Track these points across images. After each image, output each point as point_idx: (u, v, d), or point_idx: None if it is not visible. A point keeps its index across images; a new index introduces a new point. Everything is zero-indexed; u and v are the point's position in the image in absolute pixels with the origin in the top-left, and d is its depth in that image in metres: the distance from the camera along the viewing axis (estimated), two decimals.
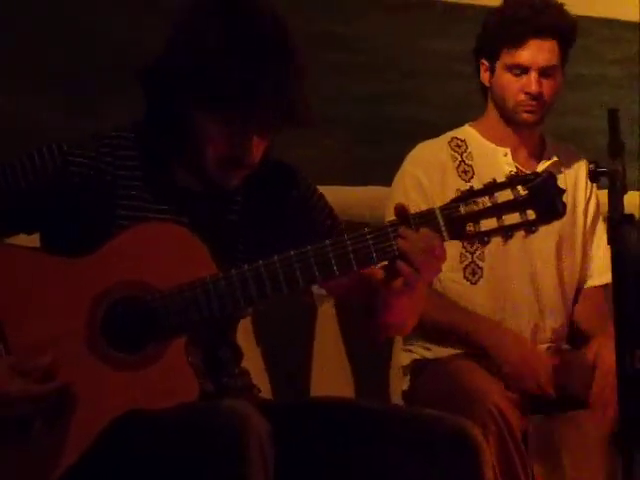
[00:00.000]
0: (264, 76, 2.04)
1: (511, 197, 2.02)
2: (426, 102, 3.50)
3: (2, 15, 3.11)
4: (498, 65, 3.10)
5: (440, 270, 2.13)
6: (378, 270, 2.24)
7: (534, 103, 3.06)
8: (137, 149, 2.19)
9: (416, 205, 2.73)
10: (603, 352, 2.97)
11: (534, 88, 3.04)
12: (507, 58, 3.08)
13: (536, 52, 3.05)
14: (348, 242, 2.05)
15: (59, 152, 2.14)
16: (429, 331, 2.99)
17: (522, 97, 3.07)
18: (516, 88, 3.08)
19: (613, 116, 2.78)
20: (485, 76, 3.15)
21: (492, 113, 3.19)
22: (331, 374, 3.31)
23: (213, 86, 2.05)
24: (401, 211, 2.07)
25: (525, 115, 3.09)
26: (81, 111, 3.01)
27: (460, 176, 3.08)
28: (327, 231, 2.24)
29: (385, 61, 3.47)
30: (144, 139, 2.20)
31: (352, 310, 2.45)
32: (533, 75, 3.04)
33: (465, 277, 3.10)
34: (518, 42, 3.06)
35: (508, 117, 3.13)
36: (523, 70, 3.06)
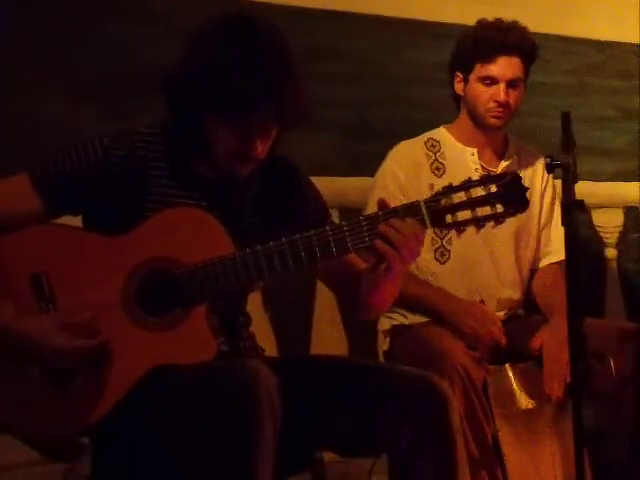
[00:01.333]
0: (261, 85, 2.07)
1: (483, 193, 2.07)
2: (406, 105, 3.54)
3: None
4: (472, 77, 3.17)
5: (419, 254, 2.16)
6: (360, 261, 2.34)
7: (501, 110, 3.14)
8: (164, 144, 2.25)
9: (394, 197, 2.87)
10: (559, 321, 2.99)
11: (502, 97, 3.11)
12: (480, 71, 3.14)
13: (504, 67, 3.12)
14: (345, 228, 2.10)
15: (100, 146, 2.18)
16: (401, 303, 3.01)
17: (491, 105, 3.14)
18: (487, 97, 3.15)
19: (566, 118, 2.85)
20: (459, 86, 3.21)
21: (464, 118, 3.25)
22: (328, 336, 3.37)
23: (219, 95, 2.10)
24: (381, 205, 2.13)
25: (493, 120, 3.17)
26: (110, 115, 3.09)
27: (433, 172, 3.15)
28: (319, 219, 2.32)
29: (370, 70, 3.50)
30: (169, 137, 2.26)
31: None
32: (502, 86, 3.11)
33: (435, 258, 3.16)
34: (489, 58, 3.13)
35: (478, 121, 3.20)
36: (493, 81, 3.13)
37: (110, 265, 2.13)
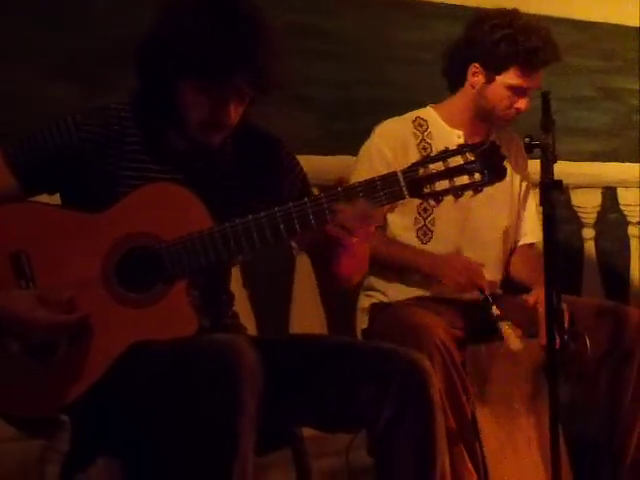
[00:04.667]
0: (235, 50, 2.06)
1: (461, 162, 2.03)
2: (389, 84, 3.54)
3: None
4: (499, 79, 3.11)
5: (372, 233, 2.15)
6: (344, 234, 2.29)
7: (517, 116, 3.15)
8: (136, 119, 2.23)
9: (378, 173, 2.86)
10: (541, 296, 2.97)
11: (524, 108, 3.11)
12: (513, 78, 3.09)
13: (538, 80, 3.12)
14: (323, 200, 2.07)
15: (73, 123, 2.18)
16: (384, 264, 3.08)
17: (512, 111, 3.13)
18: (509, 103, 3.12)
19: (545, 98, 2.86)
20: (475, 80, 3.14)
21: (460, 103, 3.22)
22: (307, 314, 3.37)
23: (193, 61, 2.07)
24: None
25: (505, 122, 3.19)
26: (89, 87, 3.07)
27: (420, 152, 3.09)
28: (299, 192, 2.31)
29: (353, 48, 3.50)
30: (141, 110, 2.24)
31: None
32: (527, 97, 3.11)
33: (417, 237, 3.16)
34: (529, 70, 3.09)
35: (486, 117, 3.19)
36: (522, 91, 3.11)
37: (89, 242, 2.12)
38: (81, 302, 2.08)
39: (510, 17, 3.14)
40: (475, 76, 3.17)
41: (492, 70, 3.14)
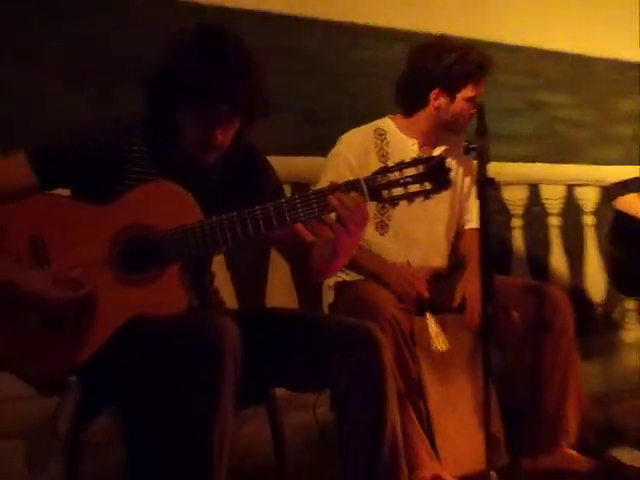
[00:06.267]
0: (221, 87, 2.08)
1: (415, 172, 2.06)
2: (351, 96, 3.53)
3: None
4: (459, 96, 3.12)
5: (365, 224, 2.16)
6: (308, 234, 2.37)
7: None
8: (144, 134, 2.23)
9: (344, 177, 2.78)
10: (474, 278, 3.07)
11: (474, 112, 3.10)
12: (470, 92, 3.11)
13: (483, 87, 3.16)
14: (297, 201, 2.09)
15: (91, 131, 2.20)
16: (348, 266, 3.01)
17: (468, 118, 3.15)
18: (469, 114, 3.14)
19: (480, 109, 2.87)
20: (439, 102, 3.13)
21: (422, 118, 3.19)
22: (280, 291, 3.36)
23: (186, 95, 2.11)
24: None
25: (464, 129, 3.21)
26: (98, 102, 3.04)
27: (379, 158, 3.08)
28: (274, 194, 2.31)
29: (320, 65, 3.50)
30: (148, 127, 2.24)
31: None
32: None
33: (376, 230, 3.14)
34: (479, 81, 3.13)
35: (449, 127, 3.19)
36: (475, 100, 3.13)
37: (97, 230, 2.12)
38: (88, 280, 2.07)
39: (447, 43, 3.16)
40: (437, 100, 3.15)
41: (452, 91, 3.14)
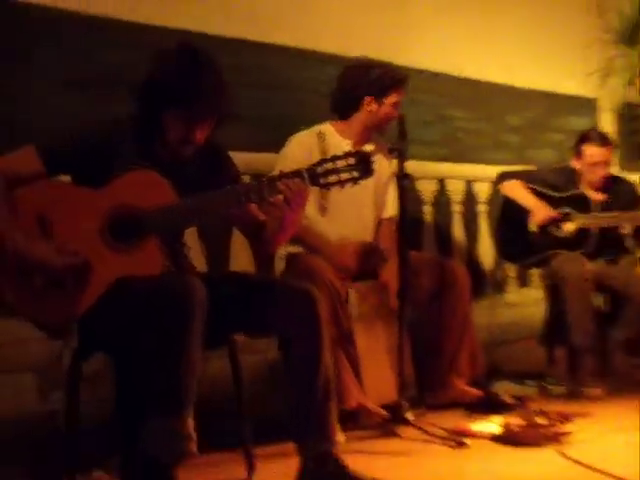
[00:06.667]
0: (201, 94, 2.09)
1: (345, 164, 2.07)
2: (299, 104, 3.52)
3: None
4: (386, 102, 3.13)
5: (305, 204, 2.19)
6: (260, 214, 2.31)
7: None
8: (133, 131, 2.21)
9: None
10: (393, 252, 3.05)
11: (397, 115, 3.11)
12: (394, 98, 3.13)
13: (404, 94, 3.18)
14: (255, 186, 2.11)
15: (91, 128, 2.20)
16: (296, 242, 3.04)
17: (393, 120, 3.14)
18: (394, 115, 3.12)
19: (401, 119, 2.92)
20: (371, 108, 3.13)
21: (354, 122, 3.18)
22: (241, 258, 3.32)
23: (170, 100, 2.11)
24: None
25: (387, 128, 3.21)
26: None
27: (321, 156, 2.87)
28: (234, 182, 2.28)
29: (275, 81, 3.48)
30: (136, 126, 2.22)
31: None
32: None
33: (318, 212, 3.12)
34: (400, 90, 3.16)
35: (378, 127, 3.20)
36: (398, 106, 3.15)
37: (91, 208, 2.09)
38: (84, 250, 2.06)
39: (372, 61, 3.18)
40: (369, 106, 3.15)
41: (381, 97, 3.14)
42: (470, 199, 4.54)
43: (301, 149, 3.09)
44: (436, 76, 4.40)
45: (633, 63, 5.28)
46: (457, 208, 4.47)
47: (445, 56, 4.44)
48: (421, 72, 4.28)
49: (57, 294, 2.05)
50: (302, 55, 3.64)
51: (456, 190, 4.47)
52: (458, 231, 4.45)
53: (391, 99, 3.14)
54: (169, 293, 1.93)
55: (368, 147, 3.13)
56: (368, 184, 3.09)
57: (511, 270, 4.63)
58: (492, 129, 4.74)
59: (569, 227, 3.78)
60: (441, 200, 4.39)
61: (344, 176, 2.07)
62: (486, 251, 4.56)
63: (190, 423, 1.91)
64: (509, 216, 3.95)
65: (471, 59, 4.61)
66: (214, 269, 3.16)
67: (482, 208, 4.59)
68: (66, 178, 2.23)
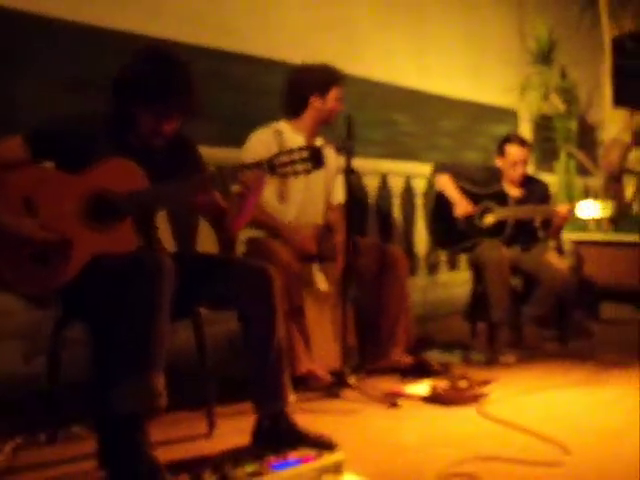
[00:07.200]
0: (170, 91, 2.07)
1: (299, 156, 2.05)
2: (261, 108, 3.48)
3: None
4: (329, 97, 3.10)
5: (262, 192, 2.17)
6: (222, 201, 2.28)
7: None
8: (109, 123, 2.16)
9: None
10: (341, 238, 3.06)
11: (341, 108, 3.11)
12: (337, 93, 3.11)
13: (343, 91, 3.14)
14: (218, 174, 2.07)
15: (71, 118, 2.14)
16: (255, 225, 3.02)
17: (337, 113, 3.13)
18: (338, 108, 3.12)
19: (349, 119, 2.90)
20: (317, 104, 3.10)
21: (305, 118, 3.15)
22: (207, 240, 3.27)
23: (142, 96, 2.07)
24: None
25: (334, 121, 3.15)
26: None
27: (278, 150, 2.88)
28: (199, 172, 2.23)
29: (239, 85, 3.44)
30: (112, 118, 2.16)
31: None
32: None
33: (277, 199, 3.10)
34: (340, 84, 3.12)
35: (326, 121, 3.15)
36: (340, 100, 3.12)
37: (72, 191, 2.04)
38: (65, 228, 2.01)
39: (312, 64, 3.14)
40: (316, 102, 3.12)
41: (325, 93, 3.12)
42: (409, 192, 4.57)
43: (261, 144, 3.05)
44: (381, 85, 4.39)
45: (547, 80, 5.37)
46: (397, 200, 4.50)
47: (389, 68, 4.44)
48: (368, 81, 4.27)
49: (41, 267, 2.00)
50: (263, 63, 3.59)
51: (396, 185, 4.50)
52: (398, 220, 4.48)
53: (333, 94, 3.12)
54: (142, 267, 1.89)
55: (318, 141, 3.20)
56: (319, 175, 3.09)
57: (442, 255, 4.68)
58: (428, 132, 4.77)
59: (489, 219, 3.84)
60: (383, 193, 4.40)
61: (298, 167, 2.05)
62: (421, 238, 4.59)
63: (161, 381, 1.88)
64: (441, 208, 3.99)
65: (411, 71, 4.63)
66: (182, 250, 3.11)
67: (419, 201, 4.63)
68: (50, 164, 2.18)
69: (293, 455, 1.82)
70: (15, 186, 2.04)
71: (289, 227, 3.08)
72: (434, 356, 3.42)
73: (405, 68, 4.55)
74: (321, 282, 3.05)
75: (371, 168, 4.30)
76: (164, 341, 1.90)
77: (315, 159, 2.06)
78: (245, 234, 3.12)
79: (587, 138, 5.86)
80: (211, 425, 2.33)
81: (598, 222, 5.21)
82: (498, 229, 3.81)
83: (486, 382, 2.81)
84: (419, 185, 4.62)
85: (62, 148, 2.10)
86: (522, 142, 3.91)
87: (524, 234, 3.88)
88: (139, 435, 1.87)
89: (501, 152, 3.93)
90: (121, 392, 1.85)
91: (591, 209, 3.67)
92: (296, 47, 3.69)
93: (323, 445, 2.01)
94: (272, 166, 2.07)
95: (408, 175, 4.56)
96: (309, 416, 2.46)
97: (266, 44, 3.63)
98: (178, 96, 2.08)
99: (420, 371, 3.08)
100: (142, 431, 1.89)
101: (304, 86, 3.13)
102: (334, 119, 3.19)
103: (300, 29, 3.80)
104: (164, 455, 1.95)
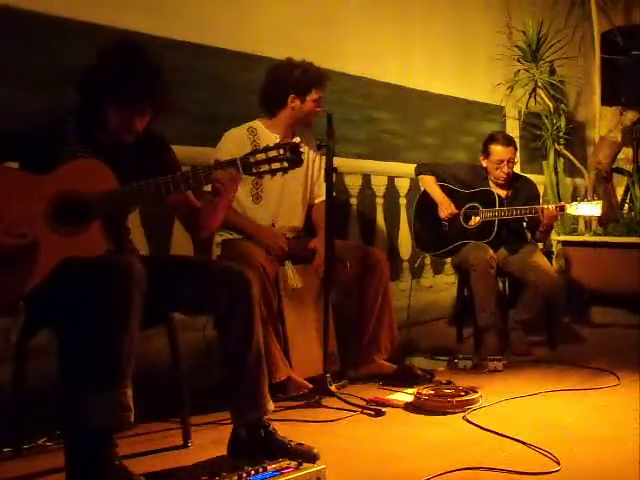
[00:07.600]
0: (140, 87, 2.06)
1: (276, 154, 2.04)
2: (234, 104, 3.43)
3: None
4: (308, 99, 3.11)
5: (236, 191, 2.17)
6: (196, 201, 2.30)
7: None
8: (78, 120, 2.15)
9: None
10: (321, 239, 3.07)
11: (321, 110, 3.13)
12: (315, 95, 3.11)
13: (322, 92, 3.15)
14: (191, 173, 2.06)
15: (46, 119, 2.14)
16: (228, 227, 3.02)
17: (315, 114, 3.15)
18: (316, 110, 3.14)
19: (330, 117, 2.92)
20: (295, 104, 3.11)
21: (282, 118, 3.15)
22: (181, 244, 3.23)
23: (112, 92, 2.07)
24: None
25: (311, 122, 3.19)
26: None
27: (252, 148, 2.89)
28: (174, 170, 2.19)
29: (213, 81, 3.41)
30: (81, 115, 2.16)
31: None
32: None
33: (252, 200, 3.10)
34: (320, 86, 3.13)
35: (303, 121, 3.16)
36: (319, 102, 3.14)
37: (38, 193, 2.02)
38: (31, 232, 1.99)
39: (293, 62, 3.14)
40: (293, 102, 3.13)
41: (303, 95, 3.12)
42: (392, 193, 4.58)
43: (235, 143, 3.05)
44: (363, 81, 4.40)
45: (534, 77, 5.42)
46: (380, 201, 4.50)
47: (372, 64, 4.44)
48: (349, 77, 4.28)
49: (6, 273, 1.97)
50: (239, 58, 3.58)
51: (379, 185, 4.51)
52: (380, 221, 4.49)
53: (312, 96, 3.13)
54: (109, 271, 1.88)
55: (296, 139, 3.19)
56: (298, 174, 3.11)
57: (427, 258, 4.70)
58: (412, 131, 4.77)
59: (475, 220, 3.87)
60: (366, 193, 4.41)
61: (275, 165, 2.04)
62: (406, 240, 4.61)
63: (129, 394, 1.88)
64: (425, 210, 4.02)
65: (395, 67, 4.63)
66: (156, 253, 3.10)
67: (402, 201, 4.64)
68: (14, 165, 2.15)
69: (272, 466, 1.82)
70: None
71: (259, 227, 3.08)
72: (419, 362, 3.44)
73: (389, 63, 4.56)
74: (293, 279, 3.06)
75: (353, 168, 4.30)
76: (133, 348, 1.89)
77: (293, 157, 2.04)
78: (220, 236, 3.11)
79: (576, 136, 5.92)
80: (186, 436, 2.32)
81: (587, 223, 5.27)
82: (484, 230, 3.84)
83: (472, 389, 2.83)
84: (403, 185, 4.63)
85: (27, 148, 2.09)
86: (507, 141, 3.95)
87: (511, 235, 3.92)
88: (108, 449, 1.87)
89: (485, 152, 3.98)
90: (90, 407, 1.83)
91: (581, 208, 3.71)
92: (277, 42, 3.67)
93: (303, 455, 2.00)
94: (246, 164, 2.05)
95: (391, 175, 4.58)
96: (289, 425, 2.46)
97: (246, 38, 3.61)
98: (147, 90, 2.07)
99: (404, 378, 3.10)
100: (111, 444, 1.88)
101: (283, 85, 3.13)
102: (312, 120, 3.21)
103: (281, 23, 3.80)
104: (137, 469, 1.95)
